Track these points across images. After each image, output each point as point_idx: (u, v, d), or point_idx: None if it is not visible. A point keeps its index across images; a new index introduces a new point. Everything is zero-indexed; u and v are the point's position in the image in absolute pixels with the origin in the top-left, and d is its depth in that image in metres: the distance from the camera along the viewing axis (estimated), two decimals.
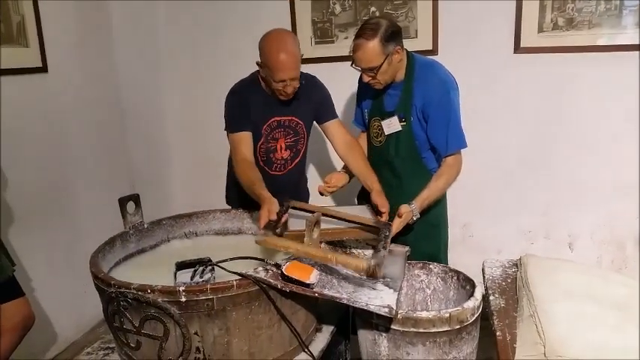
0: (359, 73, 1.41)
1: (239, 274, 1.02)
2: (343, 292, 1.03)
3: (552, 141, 2.15)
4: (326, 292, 1.01)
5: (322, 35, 1.99)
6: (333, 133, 1.56)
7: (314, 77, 1.60)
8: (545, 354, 0.94)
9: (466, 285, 1.31)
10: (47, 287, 1.92)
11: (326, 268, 1.13)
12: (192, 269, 1.09)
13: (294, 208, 1.29)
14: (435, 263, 1.38)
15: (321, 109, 1.57)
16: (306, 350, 1.10)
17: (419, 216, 1.41)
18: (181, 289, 0.96)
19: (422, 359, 1.08)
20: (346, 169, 1.61)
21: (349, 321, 1.33)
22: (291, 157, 1.61)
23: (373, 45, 1.32)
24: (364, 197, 1.60)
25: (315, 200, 2.18)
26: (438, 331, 1.07)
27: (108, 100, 2.32)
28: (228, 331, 1.00)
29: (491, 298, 1.23)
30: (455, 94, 1.46)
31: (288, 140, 1.57)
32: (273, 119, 1.50)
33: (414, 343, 1.09)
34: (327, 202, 2.23)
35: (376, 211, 1.42)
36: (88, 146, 2.19)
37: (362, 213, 1.45)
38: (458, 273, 1.34)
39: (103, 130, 2.29)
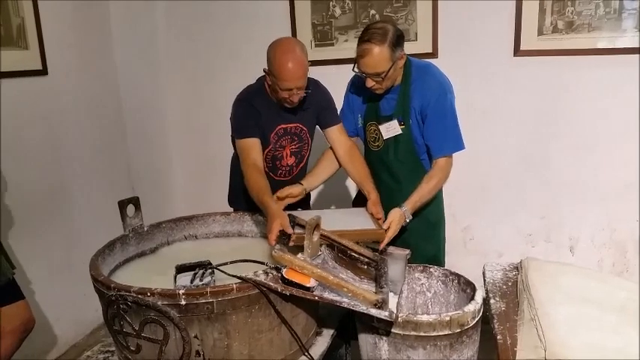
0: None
1: (239, 278, 1.02)
2: (344, 296, 1.03)
3: (552, 144, 2.15)
4: (326, 295, 1.01)
5: (322, 38, 1.99)
6: (334, 138, 1.56)
7: (317, 81, 1.59)
8: (545, 357, 0.94)
9: (467, 288, 1.31)
10: (47, 290, 1.92)
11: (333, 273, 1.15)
12: (192, 272, 1.09)
13: (299, 225, 1.24)
14: (436, 266, 1.39)
15: (323, 114, 1.56)
16: (306, 354, 1.09)
17: (412, 217, 1.40)
18: (181, 292, 0.95)
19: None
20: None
21: (349, 324, 1.31)
22: (296, 163, 1.61)
23: (383, 50, 1.31)
24: (360, 203, 1.58)
25: (317, 202, 2.27)
26: (439, 335, 1.07)
27: (108, 102, 2.32)
28: (228, 334, 1.00)
29: (491, 301, 1.23)
30: (451, 97, 1.46)
31: (293, 147, 1.57)
32: (279, 127, 1.49)
33: (414, 347, 1.09)
34: (326, 206, 2.25)
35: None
36: (88, 148, 2.19)
37: (360, 216, 1.44)
38: (459, 276, 1.34)
39: (103, 133, 2.29)
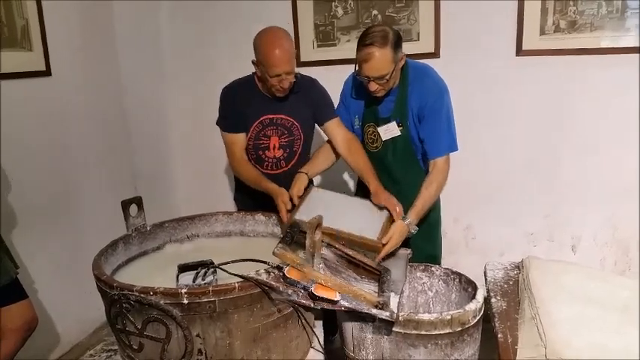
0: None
1: (241, 277, 1.01)
2: (345, 297, 1.01)
3: (555, 143, 2.14)
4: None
5: (324, 38, 2.00)
6: (332, 132, 1.56)
7: (313, 79, 1.61)
8: (546, 355, 0.94)
9: (468, 287, 1.31)
10: (50, 289, 1.93)
11: (334, 271, 1.12)
12: (195, 271, 1.09)
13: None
14: (437, 266, 1.39)
15: (319, 110, 1.57)
16: (320, 348, 1.13)
17: (417, 229, 1.37)
18: (183, 291, 0.95)
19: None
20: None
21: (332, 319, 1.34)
22: (286, 158, 1.61)
23: (385, 53, 1.32)
24: (362, 190, 1.60)
25: None
26: (440, 334, 1.07)
27: (111, 103, 2.33)
28: (230, 333, 1.00)
29: (492, 300, 1.23)
30: (448, 98, 1.46)
31: (283, 140, 1.58)
32: (265, 117, 1.52)
33: (415, 345, 1.09)
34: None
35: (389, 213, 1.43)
36: (91, 149, 2.19)
37: (365, 211, 1.42)
38: (460, 275, 1.34)
39: (107, 134, 2.30)
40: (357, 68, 1.38)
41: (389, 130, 1.44)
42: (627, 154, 2.07)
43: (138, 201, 1.35)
